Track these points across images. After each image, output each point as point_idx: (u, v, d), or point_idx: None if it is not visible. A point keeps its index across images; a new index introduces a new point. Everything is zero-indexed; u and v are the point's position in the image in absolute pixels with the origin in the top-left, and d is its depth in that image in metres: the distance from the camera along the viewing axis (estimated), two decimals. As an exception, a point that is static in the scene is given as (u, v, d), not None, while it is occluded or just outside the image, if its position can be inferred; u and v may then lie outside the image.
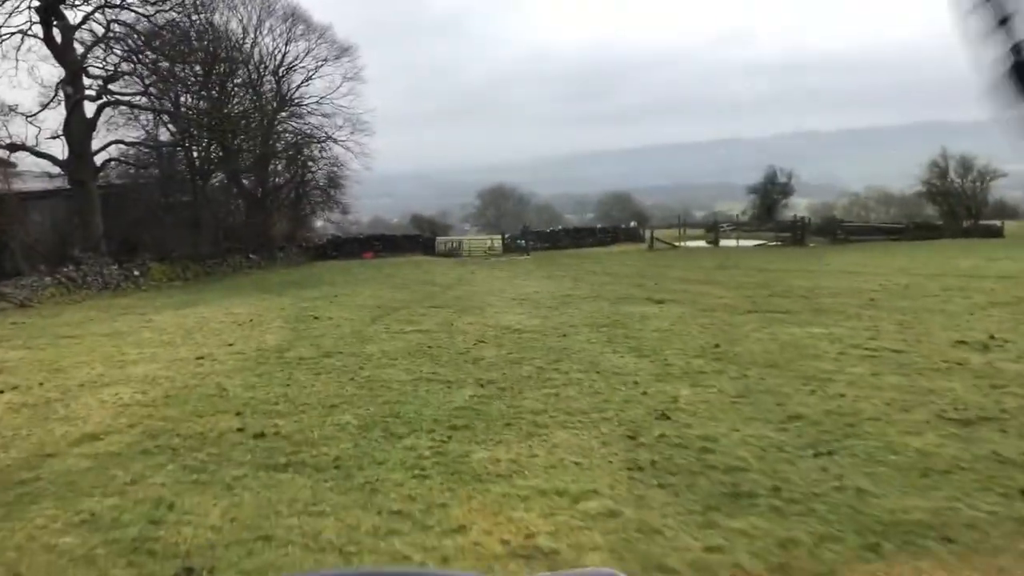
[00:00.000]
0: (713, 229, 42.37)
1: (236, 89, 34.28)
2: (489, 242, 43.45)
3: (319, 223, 45.12)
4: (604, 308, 13.94)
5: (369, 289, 20.28)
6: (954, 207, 39.14)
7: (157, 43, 24.43)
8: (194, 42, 27.11)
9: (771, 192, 71.38)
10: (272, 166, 39.58)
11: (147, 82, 24.14)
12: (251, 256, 33.24)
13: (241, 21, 33.96)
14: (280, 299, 18.27)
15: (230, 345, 11.11)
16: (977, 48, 1.17)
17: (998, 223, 36.81)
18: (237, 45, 32.71)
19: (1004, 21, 1.16)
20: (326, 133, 40.44)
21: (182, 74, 26.03)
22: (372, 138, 41.01)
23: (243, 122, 31.93)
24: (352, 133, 40.58)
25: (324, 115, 40.05)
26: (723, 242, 39.61)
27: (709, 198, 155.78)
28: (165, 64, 24.35)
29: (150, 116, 28.89)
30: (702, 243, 40.70)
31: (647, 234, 40.60)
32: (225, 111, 30.15)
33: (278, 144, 39.66)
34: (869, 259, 24.93)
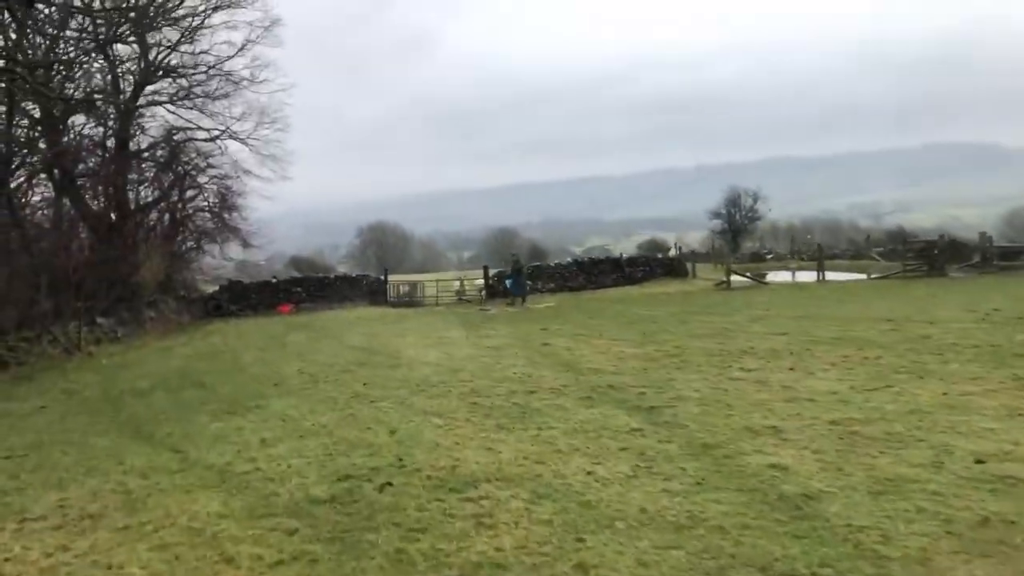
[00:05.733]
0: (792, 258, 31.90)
1: (65, 35, 19.99)
2: (459, 283, 30.61)
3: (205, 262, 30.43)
4: None
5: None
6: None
7: None
8: None
9: (735, 217, 62.93)
10: (134, 174, 25.17)
11: None
12: (99, 321, 18.79)
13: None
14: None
15: None
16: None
17: None
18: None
19: None
20: (220, 125, 26.54)
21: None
22: (288, 134, 27.87)
23: (76, 72, 17.73)
24: (257, 127, 26.97)
25: (213, 95, 26.05)
26: (801, 276, 29.23)
27: (580, 233, 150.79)
28: None
29: None
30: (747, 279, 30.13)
31: (692, 268, 29.55)
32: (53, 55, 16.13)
33: (141, 138, 25.45)
34: None
